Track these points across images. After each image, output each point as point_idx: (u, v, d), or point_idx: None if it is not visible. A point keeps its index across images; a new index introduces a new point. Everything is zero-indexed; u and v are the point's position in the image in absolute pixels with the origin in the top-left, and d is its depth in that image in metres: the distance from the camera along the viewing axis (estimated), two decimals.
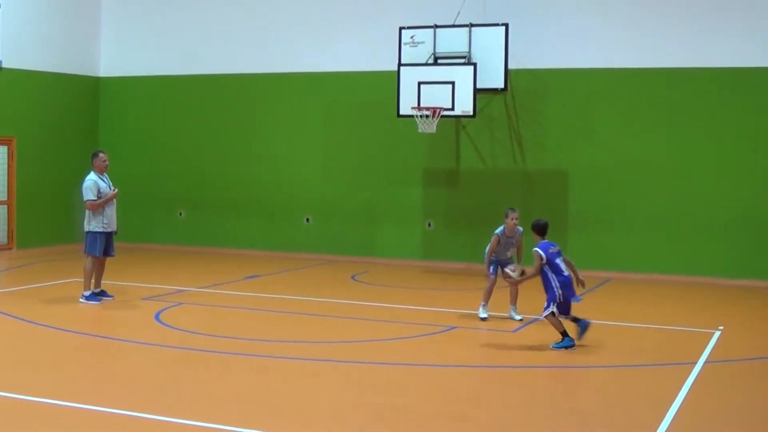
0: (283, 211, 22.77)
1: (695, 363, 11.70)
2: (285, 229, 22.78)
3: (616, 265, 19.90)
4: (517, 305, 14.58)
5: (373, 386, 10.61)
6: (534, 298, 16.85)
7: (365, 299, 16.15)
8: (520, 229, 14.45)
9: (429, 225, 21.43)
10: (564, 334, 12.56)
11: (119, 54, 24.47)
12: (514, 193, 20.61)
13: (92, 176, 15.39)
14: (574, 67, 20.20)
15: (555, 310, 12.55)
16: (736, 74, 19.14)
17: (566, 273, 12.74)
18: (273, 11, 22.80)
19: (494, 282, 14.52)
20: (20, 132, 22.33)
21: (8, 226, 22.34)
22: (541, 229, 13.00)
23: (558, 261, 12.72)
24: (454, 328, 13.85)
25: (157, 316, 14.22)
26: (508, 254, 14.38)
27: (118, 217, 15.82)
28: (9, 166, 22.23)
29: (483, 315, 14.50)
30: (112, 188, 15.54)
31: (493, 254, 14.45)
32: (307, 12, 22.45)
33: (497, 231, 14.37)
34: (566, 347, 12.46)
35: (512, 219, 14.32)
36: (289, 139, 22.76)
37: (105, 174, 15.60)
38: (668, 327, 14.41)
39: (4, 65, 21.93)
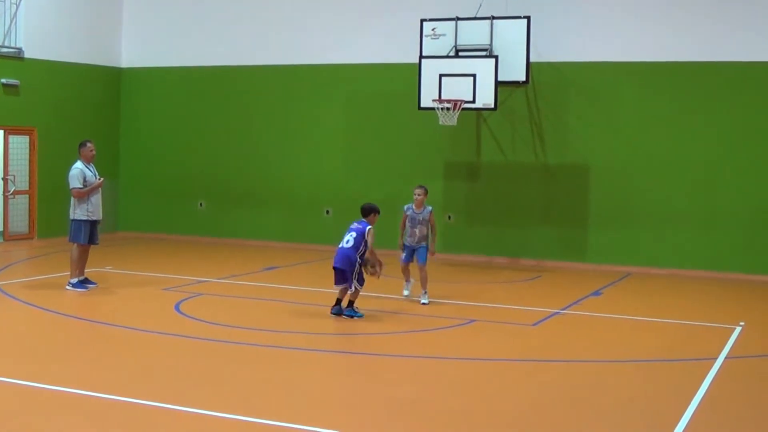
0: (303, 203, 22.78)
1: (716, 359, 11.65)
2: (305, 221, 22.79)
3: (636, 260, 19.84)
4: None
5: (391, 379, 10.60)
6: (551, 294, 16.82)
7: (384, 292, 16.11)
8: (429, 207, 15.13)
9: (449, 218, 21.38)
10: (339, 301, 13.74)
11: (141, 45, 24.52)
12: (534, 187, 20.59)
13: (79, 165, 15.54)
14: (596, 61, 20.13)
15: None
16: (761, 69, 19.00)
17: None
18: (294, 2, 22.79)
19: (406, 266, 15.37)
20: (41, 122, 22.42)
21: (29, 215, 22.44)
22: (363, 210, 14.06)
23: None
24: (473, 321, 13.82)
25: (176, 307, 14.26)
26: (416, 232, 15.03)
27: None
28: (30, 157, 22.33)
29: (406, 292, 15.43)
30: (98, 178, 15.63)
31: (407, 235, 15.20)
32: (328, 4, 22.45)
33: (405, 207, 15.29)
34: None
35: (417, 195, 15.11)
36: (309, 131, 22.77)
37: (91, 164, 15.72)
38: (689, 322, 14.34)
39: (26, 56, 22.02)
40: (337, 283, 13.61)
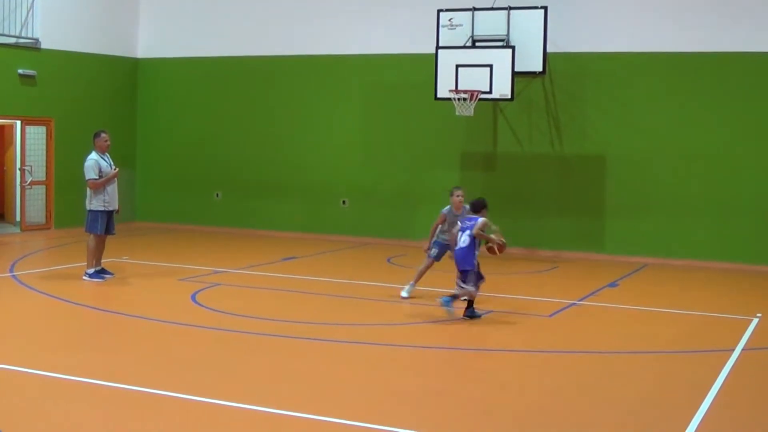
0: (319, 193, 22.78)
1: (733, 350, 11.61)
2: (321, 212, 22.79)
3: (653, 251, 19.78)
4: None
5: (408, 369, 10.60)
6: (568, 285, 16.73)
7: (401, 282, 16.08)
8: (467, 207, 14.27)
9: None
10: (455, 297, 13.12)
11: (158, 35, 24.55)
12: (551, 178, 20.54)
13: (93, 156, 15.56)
14: (613, 51, 20.05)
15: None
16: None
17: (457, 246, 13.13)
18: None
19: (430, 264, 14.56)
20: (58, 113, 22.48)
21: (46, 206, 22.52)
22: (474, 207, 13.48)
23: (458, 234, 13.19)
24: (490, 312, 13.80)
25: (193, 297, 14.28)
26: (455, 232, 14.14)
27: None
28: (47, 147, 22.40)
29: (404, 294, 14.56)
30: (113, 168, 15.64)
31: (442, 234, 14.35)
32: None
33: (444, 209, 14.34)
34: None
35: (457, 196, 14.28)
36: (326, 121, 22.76)
37: (106, 154, 15.75)
38: (705, 313, 14.30)
39: (43, 46, 22.06)
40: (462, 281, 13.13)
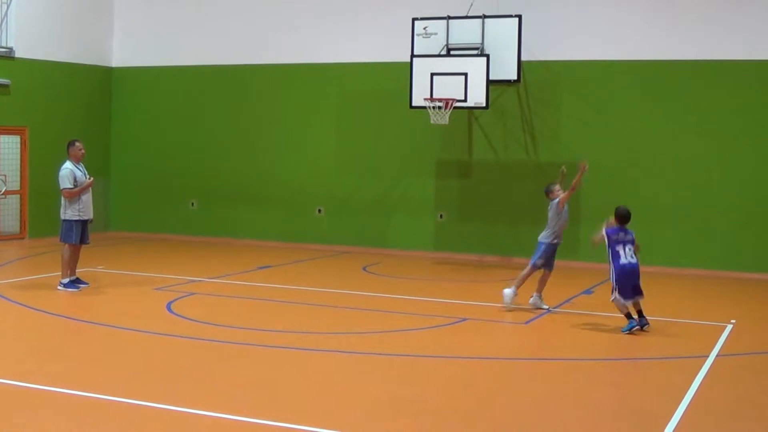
0: (295, 202, 22.75)
1: (707, 356, 11.67)
2: (297, 220, 22.76)
3: None
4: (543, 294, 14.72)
5: (384, 377, 10.60)
6: (543, 292, 16.77)
7: (377, 290, 16.10)
8: (554, 201, 15.01)
9: (441, 216, 21.40)
10: (627, 316, 13.05)
11: (132, 44, 24.46)
12: (526, 185, 20.58)
13: (68, 165, 15.48)
14: (588, 59, 20.13)
15: (617, 295, 13.14)
16: (754, 67, 19.03)
17: (624, 261, 13.14)
18: (286, 2, 22.76)
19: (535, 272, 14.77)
20: (33, 122, 22.36)
21: (20, 215, 22.39)
22: (618, 217, 13.60)
23: (618, 248, 13.17)
24: (465, 319, 13.83)
25: (168, 307, 14.24)
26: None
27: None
28: (21, 156, 22.27)
29: (508, 297, 14.53)
30: (88, 177, 15.59)
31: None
32: (320, 3, 22.42)
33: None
34: (630, 329, 12.91)
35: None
36: (301, 130, 22.74)
37: (80, 163, 15.66)
38: (680, 320, 14.37)
39: (17, 55, 21.96)
40: (632, 297, 13.20)
